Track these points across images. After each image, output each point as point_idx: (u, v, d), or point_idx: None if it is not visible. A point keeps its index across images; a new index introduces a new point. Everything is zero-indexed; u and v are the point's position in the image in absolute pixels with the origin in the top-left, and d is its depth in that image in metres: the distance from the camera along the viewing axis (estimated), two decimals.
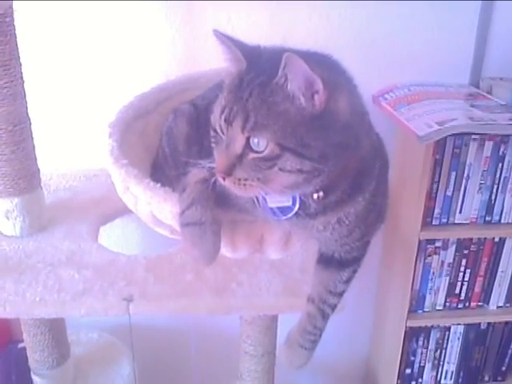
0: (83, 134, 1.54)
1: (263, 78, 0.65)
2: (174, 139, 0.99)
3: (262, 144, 0.64)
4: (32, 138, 1.21)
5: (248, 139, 0.65)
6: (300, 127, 0.64)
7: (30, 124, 1.20)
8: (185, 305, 1.09)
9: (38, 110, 1.24)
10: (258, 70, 0.67)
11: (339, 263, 0.84)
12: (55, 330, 1.35)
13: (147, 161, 1.02)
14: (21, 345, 1.47)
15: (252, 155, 0.65)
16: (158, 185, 0.82)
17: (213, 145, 0.71)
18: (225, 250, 0.81)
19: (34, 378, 1.38)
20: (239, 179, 0.67)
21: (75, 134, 1.54)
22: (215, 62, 1.40)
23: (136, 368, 1.45)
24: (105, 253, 1.20)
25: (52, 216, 1.30)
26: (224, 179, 0.68)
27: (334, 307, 0.87)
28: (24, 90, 1.16)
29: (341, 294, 0.86)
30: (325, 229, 0.76)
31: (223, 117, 0.67)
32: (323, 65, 0.67)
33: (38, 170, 1.25)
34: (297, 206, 0.73)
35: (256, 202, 0.71)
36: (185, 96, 1.10)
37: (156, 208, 0.81)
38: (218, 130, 0.69)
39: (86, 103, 1.50)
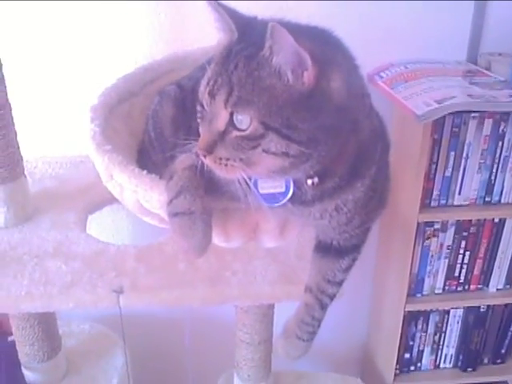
0: (68, 118, 1.48)
1: (251, 50, 0.60)
2: (160, 122, 0.93)
3: (246, 121, 0.60)
4: (13, 124, 1.16)
5: (231, 115, 0.60)
6: (287, 106, 0.59)
7: (11, 109, 1.15)
8: (178, 296, 1.06)
9: (21, 94, 1.18)
10: (248, 42, 0.62)
11: (338, 251, 0.80)
12: (45, 322, 1.31)
13: (133, 146, 0.96)
14: (10, 338, 1.43)
15: (235, 133, 0.61)
16: (144, 172, 0.77)
17: (199, 121, 0.66)
18: (217, 240, 0.77)
19: (25, 372, 1.34)
20: (220, 158, 0.63)
21: (60, 119, 1.49)
22: (202, 40, 1.36)
23: (129, 359, 1.41)
24: (93, 243, 1.16)
25: (37, 205, 1.25)
26: (205, 157, 0.63)
27: (332, 297, 0.83)
28: (2, 73, 1.10)
29: (340, 283, 0.83)
30: (322, 217, 0.72)
31: (207, 89, 0.63)
32: (319, 40, 0.62)
33: (21, 157, 1.20)
34: (290, 192, 0.69)
35: (247, 187, 0.66)
36: (171, 76, 1.05)
37: (143, 197, 0.76)
38: (204, 104, 0.64)
39: (71, 86, 1.44)
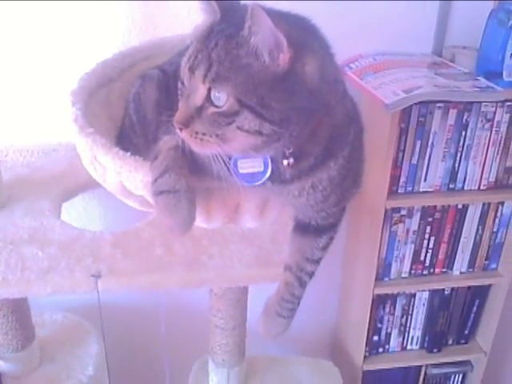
0: (39, 107, 1.47)
1: (231, 30, 0.63)
2: (143, 106, 0.95)
3: (222, 98, 0.62)
4: None
5: (209, 91, 0.63)
6: (262, 86, 0.62)
7: None
8: (155, 280, 1.07)
9: None
10: (230, 23, 0.65)
11: (316, 230, 0.83)
12: (18, 311, 1.30)
13: (112, 131, 0.97)
14: None
15: (211, 109, 0.64)
16: (128, 153, 0.78)
17: (179, 97, 0.68)
18: (199, 220, 0.79)
19: None
20: (196, 133, 0.65)
21: (31, 108, 1.47)
22: (175, 27, 1.37)
23: (105, 346, 1.42)
24: (69, 229, 1.16)
25: (10, 193, 1.25)
26: (181, 130, 0.66)
27: (311, 274, 0.87)
28: None
29: (318, 261, 0.86)
30: (300, 194, 0.75)
31: (188, 65, 0.65)
32: (296, 26, 0.65)
33: None
34: (268, 171, 0.72)
35: (225, 167, 0.69)
36: (149, 63, 1.06)
37: (126, 178, 0.78)
38: (184, 80, 0.67)
39: (41, 74, 1.43)
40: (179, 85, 0.68)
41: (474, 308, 1.76)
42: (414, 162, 1.47)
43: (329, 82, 0.67)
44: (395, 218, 1.55)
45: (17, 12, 1.35)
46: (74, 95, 0.91)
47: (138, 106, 0.95)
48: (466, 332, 1.80)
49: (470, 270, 1.67)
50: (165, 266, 1.08)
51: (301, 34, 0.64)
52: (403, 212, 1.55)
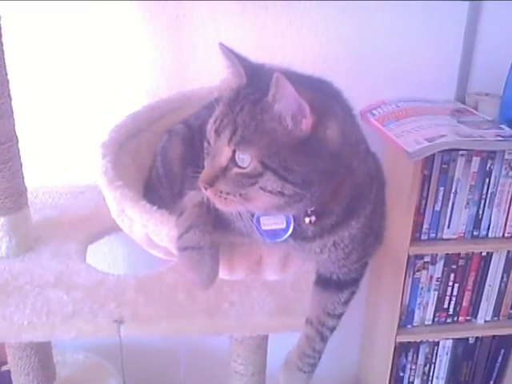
0: (69, 150, 1.51)
1: (257, 95, 0.65)
2: (169, 160, 0.98)
3: (246, 160, 0.64)
4: (19, 157, 1.19)
5: (234, 153, 0.65)
6: (285, 149, 0.64)
7: (17, 142, 1.18)
8: (177, 326, 1.08)
9: (22, 125, 1.21)
10: (255, 88, 0.67)
11: (337, 285, 0.84)
12: (41, 352, 1.32)
13: (140, 181, 1.00)
14: (4, 367, 1.43)
15: (236, 170, 0.65)
16: (155, 207, 0.81)
17: (205, 156, 0.71)
18: (222, 273, 0.80)
19: None
20: (221, 192, 0.67)
21: (60, 151, 1.52)
22: (202, 76, 1.41)
23: None
24: (94, 273, 1.18)
25: (38, 235, 1.27)
26: (206, 189, 0.67)
27: (332, 329, 0.86)
28: (11, 107, 1.14)
29: (339, 316, 0.86)
30: (321, 251, 0.76)
31: (214, 127, 0.67)
32: (319, 91, 0.67)
33: (25, 188, 1.22)
34: (291, 228, 0.73)
35: (248, 223, 0.70)
36: (177, 115, 1.10)
37: (152, 231, 0.80)
38: (210, 141, 0.69)
39: (71, 119, 1.48)
40: (205, 144, 0.70)
41: (500, 358, 1.71)
42: (438, 208, 1.47)
43: (350, 144, 0.69)
44: (418, 265, 1.54)
45: (52, 62, 1.41)
46: (105, 147, 0.94)
47: (165, 159, 0.98)
48: (492, 383, 1.75)
49: (495, 318, 1.63)
50: (186, 313, 1.08)
51: (323, 98, 0.66)
52: (426, 259, 1.54)
